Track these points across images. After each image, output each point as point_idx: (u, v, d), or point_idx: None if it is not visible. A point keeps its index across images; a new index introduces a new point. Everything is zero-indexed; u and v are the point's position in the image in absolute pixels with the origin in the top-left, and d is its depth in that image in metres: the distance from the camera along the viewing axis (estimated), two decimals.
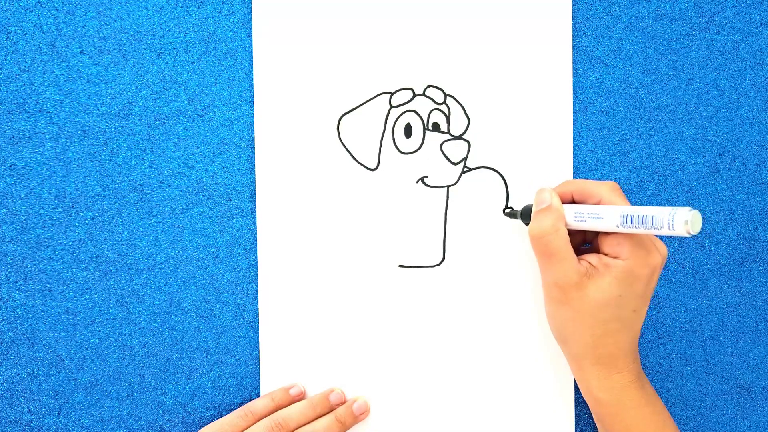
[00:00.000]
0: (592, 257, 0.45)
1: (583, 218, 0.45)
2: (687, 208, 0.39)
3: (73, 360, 0.52)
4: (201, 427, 0.52)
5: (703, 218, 0.54)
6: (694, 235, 0.42)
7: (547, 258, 0.45)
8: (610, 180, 0.49)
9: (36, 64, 0.50)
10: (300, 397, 0.52)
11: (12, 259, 0.51)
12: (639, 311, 0.45)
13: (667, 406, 0.54)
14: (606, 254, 0.45)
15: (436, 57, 0.52)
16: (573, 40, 0.53)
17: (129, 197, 0.52)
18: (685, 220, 0.39)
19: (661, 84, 0.53)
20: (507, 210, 0.52)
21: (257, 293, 0.52)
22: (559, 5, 0.52)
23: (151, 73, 0.51)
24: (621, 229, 0.42)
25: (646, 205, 0.54)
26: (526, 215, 0.49)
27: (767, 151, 0.54)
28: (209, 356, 0.53)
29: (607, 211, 0.43)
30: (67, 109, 0.51)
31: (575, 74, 0.53)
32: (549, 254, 0.45)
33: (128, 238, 0.52)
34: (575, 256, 0.45)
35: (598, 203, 0.45)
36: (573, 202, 0.47)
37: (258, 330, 0.53)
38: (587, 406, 0.52)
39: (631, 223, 0.42)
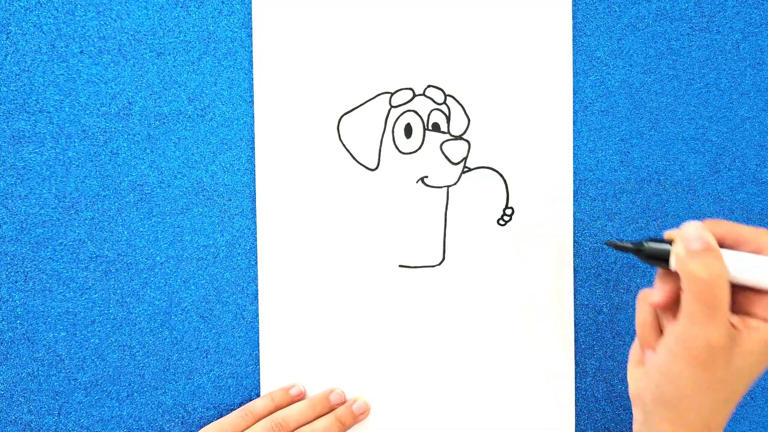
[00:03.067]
0: (733, 318, 0.38)
1: (748, 270, 0.38)
2: None
3: (73, 360, 0.52)
4: (201, 427, 0.52)
5: (703, 218, 0.54)
6: None
7: (710, 310, 0.36)
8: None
9: (36, 64, 0.51)
10: (300, 397, 0.52)
11: (12, 259, 0.51)
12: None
13: None
14: (754, 314, 0.38)
15: (436, 57, 0.52)
16: (573, 40, 0.53)
17: (129, 197, 0.52)
18: None
19: (662, 84, 0.53)
20: (611, 242, 0.42)
21: (257, 293, 0.52)
22: (559, 5, 0.52)
23: (151, 73, 0.51)
24: None
25: (646, 204, 0.54)
26: (653, 253, 0.40)
27: (767, 151, 0.54)
28: (209, 356, 0.53)
29: None
30: (67, 109, 0.51)
31: (575, 74, 0.53)
32: (714, 306, 0.36)
33: (128, 238, 0.52)
34: None
35: (755, 251, 0.38)
36: (722, 244, 0.40)
37: (258, 330, 0.53)
38: (587, 405, 0.52)
39: None
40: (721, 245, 0.39)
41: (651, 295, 0.40)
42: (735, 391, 0.38)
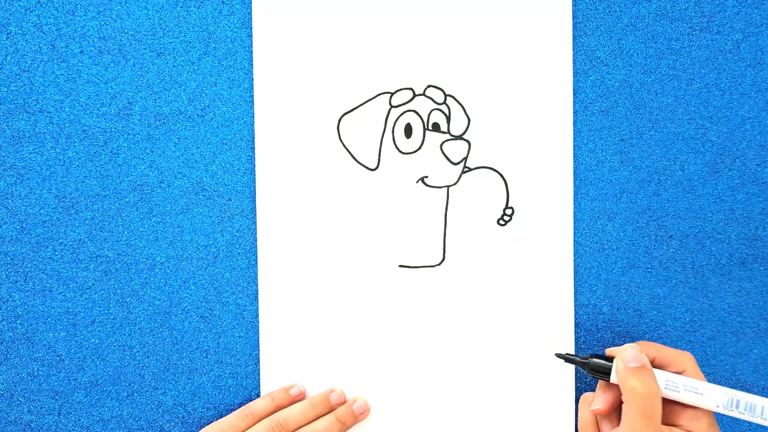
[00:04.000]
0: (663, 427, 0.43)
1: (677, 389, 0.44)
2: None
3: (73, 360, 0.52)
4: (201, 427, 0.52)
5: (703, 218, 0.54)
6: None
7: (647, 420, 0.42)
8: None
9: (36, 64, 0.51)
10: (300, 398, 0.52)
11: (12, 259, 0.51)
12: None
13: None
14: (680, 425, 0.44)
15: (436, 57, 0.52)
16: (573, 40, 0.53)
17: (129, 197, 0.52)
18: None
19: (662, 84, 0.53)
20: (562, 354, 0.48)
21: (257, 293, 0.52)
22: (559, 5, 0.52)
23: (151, 73, 0.51)
24: (721, 410, 0.42)
25: (646, 204, 0.54)
26: (597, 368, 0.46)
27: (767, 151, 0.54)
28: (209, 356, 0.53)
29: (709, 389, 0.43)
30: (67, 109, 0.51)
31: (575, 74, 0.53)
32: (650, 417, 0.42)
33: (128, 238, 0.52)
34: None
35: (680, 373, 0.45)
36: (652, 363, 0.46)
37: (258, 330, 0.53)
38: None
39: (737, 408, 0.41)
40: (653, 365, 0.46)
41: (593, 402, 0.46)
42: None
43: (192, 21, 0.51)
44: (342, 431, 0.51)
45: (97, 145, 0.51)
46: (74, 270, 0.51)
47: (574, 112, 0.53)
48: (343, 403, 0.52)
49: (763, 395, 0.54)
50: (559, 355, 0.48)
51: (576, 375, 0.53)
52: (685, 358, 0.45)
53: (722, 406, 0.42)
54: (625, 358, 0.44)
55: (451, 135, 0.52)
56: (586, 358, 0.46)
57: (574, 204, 0.53)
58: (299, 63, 0.52)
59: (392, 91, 0.52)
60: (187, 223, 0.52)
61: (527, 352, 0.53)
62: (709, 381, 0.54)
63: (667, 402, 0.44)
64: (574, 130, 0.53)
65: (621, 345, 0.54)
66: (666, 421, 0.44)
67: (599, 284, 0.54)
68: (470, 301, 0.53)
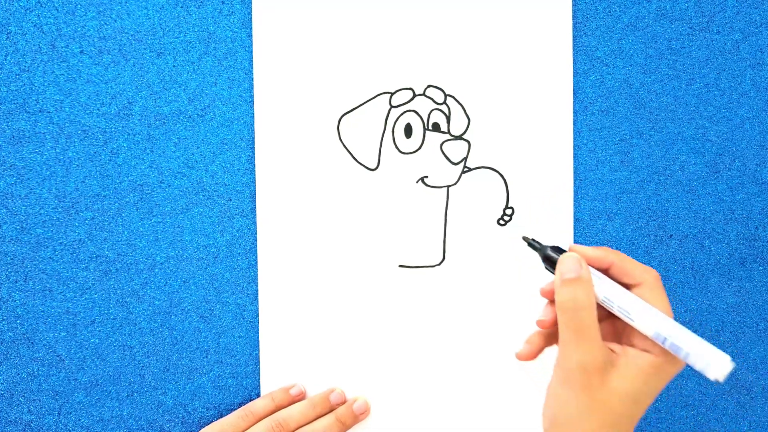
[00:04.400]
0: (612, 344, 0.41)
1: (612, 307, 0.41)
2: (727, 359, 0.37)
3: (73, 360, 0.52)
4: (201, 427, 0.52)
5: (703, 218, 0.54)
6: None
7: (577, 335, 0.39)
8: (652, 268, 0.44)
9: (36, 64, 0.50)
10: (300, 397, 0.52)
11: (12, 259, 0.51)
12: (645, 409, 0.41)
13: (667, 406, 0.54)
14: (633, 346, 0.41)
15: (436, 57, 0.52)
16: (573, 40, 0.53)
17: (129, 197, 0.52)
18: (721, 373, 0.37)
19: (661, 84, 0.53)
20: (529, 240, 0.45)
21: (257, 293, 0.52)
22: (559, 5, 0.52)
23: (151, 73, 0.51)
24: (651, 338, 0.39)
25: (645, 204, 0.54)
26: (549, 261, 0.43)
27: (767, 151, 0.54)
28: (209, 356, 0.53)
29: (642, 318, 0.39)
30: (67, 109, 0.51)
31: (575, 74, 0.53)
32: (580, 331, 0.39)
33: (128, 238, 0.52)
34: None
35: (636, 286, 0.41)
36: (608, 271, 0.43)
37: (258, 330, 0.53)
38: None
39: (663, 343, 0.39)
40: (608, 273, 0.42)
41: (540, 315, 0.43)
42: (619, 414, 0.39)
43: (192, 21, 0.51)
44: (342, 431, 0.51)
45: (97, 145, 0.51)
46: (74, 270, 0.51)
47: (574, 112, 0.53)
48: (343, 403, 0.52)
49: (763, 395, 0.54)
50: (525, 239, 0.45)
51: None
52: (645, 274, 0.41)
53: (651, 336, 0.39)
54: (563, 268, 0.41)
55: (451, 135, 0.52)
56: (545, 248, 0.44)
57: (574, 204, 0.53)
58: (299, 63, 0.52)
59: (392, 91, 0.52)
60: (187, 223, 0.52)
61: None
62: (709, 380, 0.54)
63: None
64: (574, 130, 0.53)
65: None
66: (622, 340, 0.42)
67: None
68: (470, 301, 0.53)
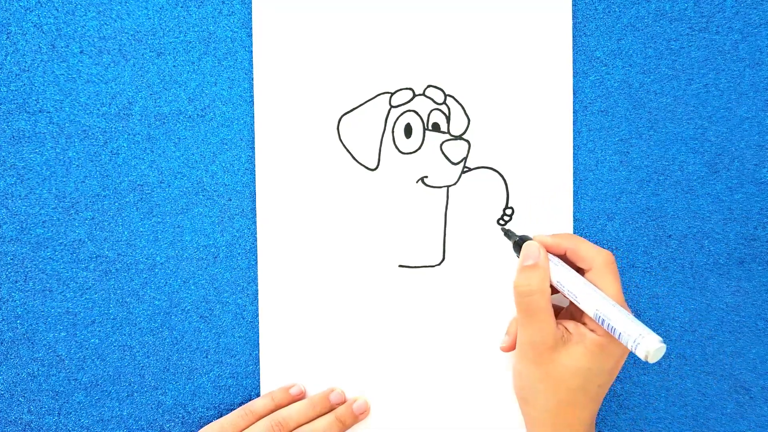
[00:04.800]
0: (569, 323, 0.45)
1: (563, 290, 0.45)
2: (656, 339, 0.39)
3: (73, 360, 0.52)
4: (201, 427, 0.52)
5: (702, 218, 0.54)
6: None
7: (528, 316, 0.44)
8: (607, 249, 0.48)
9: (36, 64, 0.50)
10: (300, 397, 0.52)
11: (12, 259, 0.51)
12: (604, 387, 0.44)
13: (666, 406, 0.54)
14: (584, 324, 0.45)
15: (436, 57, 0.52)
16: (573, 40, 0.53)
17: (129, 197, 0.52)
18: (646, 351, 0.39)
19: (661, 84, 0.53)
20: (505, 229, 0.50)
21: (257, 293, 0.52)
22: (559, 5, 0.52)
23: (151, 73, 0.51)
24: (596, 318, 0.42)
25: (645, 204, 0.54)
26: (518, 248, 0.48)
27: (766, 151, 0.54)
28: (209, 356, 0.53)
29: (586, 299, 0.43)
30: (67, 109, 0.51)
31: (575, 74, 0.53)
32: (530, 313, 0.44)
33: (128, 238, 0.52)
34: (554, 318, 0.44)
35: (588, 270, 0.45)
36: (565, 256, 0.47)
37: (258, 330, 0.53)
38: None
39: (602, 324, 0.42)
40: (565, 259, 0.47)
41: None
42: (571, 389, 0.43)
43: (192, 21, 0.51)
44: (342, 431, 0.51)
45: (97, 145, 0.51)
46: (74, 270, 0.51)
47: (574, 112, 0.53)
48: (343, 402, 0.52)
49: (762, 395, 0.54)
50: (501, 228, 0.51)
51: None
52: (597, 258, 0.45)
53: (594, 317, 0.42)
54: (523, 254, 0.46)
55: (451, 135, 0.52)
56: (515, 236, 0.48)
57: (574, 204, 0.53)
58: (299, 63, 0.52)
59: (392, 91, 0.52)
60: (187, 223, 0.52)
61: None
62: (708, 379, 0.54)
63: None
64: (573, 130, 0.53)
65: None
66: (578, 320, 0.45)
67: None
68: (470, 301, 0.53)
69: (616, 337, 0.41)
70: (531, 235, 0.48)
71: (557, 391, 0.44)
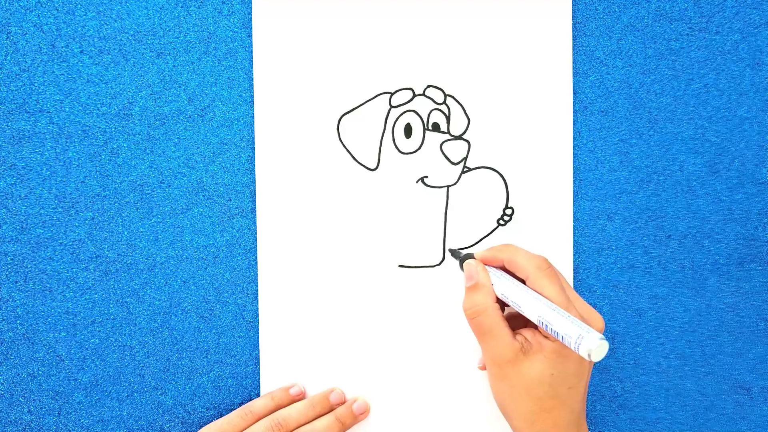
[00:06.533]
0: (527, 332, 0.45)
1: (508, 301, 0.44)
2: (596, 336, 0.38)
3: (73, 360, 0.52)
4: (201, 427, 0.52)
5: (702, 218, 0.54)
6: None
7: (482, 335, 0.44)
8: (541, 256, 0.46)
9: (36, 64, 0.50)
10: (300, 397, 0.52)
11: (12, 259, 0.51)
12: (575, 387, 0.44)
13: (666, 406, 0.54)
14: (542, 333, 0.44)
15: (436, 57, 0.52)
16: (573, 40, 0.53)
17: (129, 197, 0.52)
18: (588, 350, 0.38)
19: (661, 84, 0.53)
20: (451, 249, 0.51)
21: (257, 293, 0.52)
22: (559, 5, 0.52)
23: (151, 73, 0.51)
24: (540, 325, 0.42)
25: (645, 204, 0.54)
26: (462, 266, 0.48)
27: (766, 152, 0.54)
28: (209, 356, 0.53)
29: (528, 307, 0.43)
30: (67, 109, 0.51)
31: (575, 74, 0.53)
32: (483, 331, 0.44)
33: (128, 238, 0.52)
34: (509, 331, 0.44)
35: (527, 278, 0.44)
36: (504, 268, 0.47)
37: (258, 330, 0.53)
38: (586, 404, 0.52)
39: (546, 329, 0.41)
40: (506, 270, 0.46)
41: None
42: (539, 397, 0.43)
43: (192, 21, 0.51)
44: (341, 431, 0.51)
45: (97, 145, 0.51)
46: (74, 270, 0.51)
47: (573, 112, 0.53)
48: (343, 402, 0.52)
49: (761, 395, 0.54)
50: (450, 250, 0.51)
51: None
52: (530, 266, 0.44)
53: (538, 323, 0.42)
54: (464, 276, 0.46)
55: (451, 135, 0.52)
56: (459, 255, 0.49)
57: (574, 204, 0.53)
58: (299, 63, 0.52)
59: (392, 91, 0.52)
60: (187, 223, 0.52)
61: None
62: (708, 379, 0.54)
63: None
64: (573, 130, 0.53)
65: (621, 344, 0.54)
66: (537, 329, 0.45)
67: (598, 284, 0.54)
68: None
69: (560, 340, 0.41)
70: (474, 252, 0.48)
71: (527, 401, 0.44)
